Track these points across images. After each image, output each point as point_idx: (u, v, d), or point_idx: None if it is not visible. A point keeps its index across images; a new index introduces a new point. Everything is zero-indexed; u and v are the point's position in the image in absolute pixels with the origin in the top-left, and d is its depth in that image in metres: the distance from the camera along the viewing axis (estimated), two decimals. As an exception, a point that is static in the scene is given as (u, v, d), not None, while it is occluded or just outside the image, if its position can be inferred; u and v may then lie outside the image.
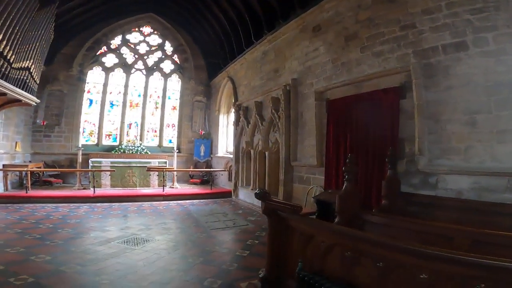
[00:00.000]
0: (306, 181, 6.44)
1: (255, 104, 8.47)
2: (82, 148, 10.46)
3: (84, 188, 9.60)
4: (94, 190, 8.87)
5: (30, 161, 10.35)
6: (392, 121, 4.50)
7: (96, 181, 9.22)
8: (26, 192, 8.14)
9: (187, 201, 8.95)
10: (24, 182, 8.86)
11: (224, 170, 10.59)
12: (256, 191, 3.26)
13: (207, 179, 11.05)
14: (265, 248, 4.60)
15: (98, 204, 8.10)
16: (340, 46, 5.73)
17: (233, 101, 11.74)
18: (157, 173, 10.13)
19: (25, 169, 8.90)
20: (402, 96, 4.47)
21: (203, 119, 12.72)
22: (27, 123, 10.49)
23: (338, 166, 5.46)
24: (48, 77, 10.72)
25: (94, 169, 9.55)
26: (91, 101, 12.27)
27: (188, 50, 13.21)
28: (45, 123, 10.92)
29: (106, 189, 9.51)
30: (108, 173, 9.59)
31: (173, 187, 10.46)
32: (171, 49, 13.29)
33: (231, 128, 11.88)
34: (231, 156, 10.77)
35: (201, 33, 12.50)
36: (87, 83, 12.07)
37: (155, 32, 13.15)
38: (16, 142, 9.57)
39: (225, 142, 12.05)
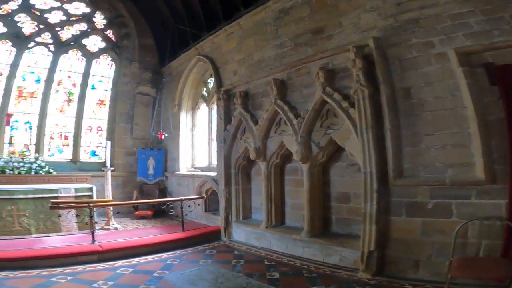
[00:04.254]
0: (436, 211, 3.38)
1: (274, 83, 5.13)
2: None
3: None
4: None
5: None
6: None
7: None
8: None
9: (150, 257, 4.62)
10: None
11: (201, 198, 6.51)
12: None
13: (172, 212, 6.51)
14: None
15: None
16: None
17: (203, 92, 8.08)
18: (73, 210, 5.42)
19: None
20: None
21: (153, 118, 8.34)
22: None
23: None
24: None
25: None
26: None
27: (132, 24, 8.86)
28: None
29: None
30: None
31: (108, 229, 5.88)
32: (104, 21, 8.82)
33: (202, 130, 8.12)
34: (205, 173, 6.93)
35: (154, 0, 8.55)
36: None
37: (81, -2, 8.56)
38: None
39: (191, 153, 8.04)
